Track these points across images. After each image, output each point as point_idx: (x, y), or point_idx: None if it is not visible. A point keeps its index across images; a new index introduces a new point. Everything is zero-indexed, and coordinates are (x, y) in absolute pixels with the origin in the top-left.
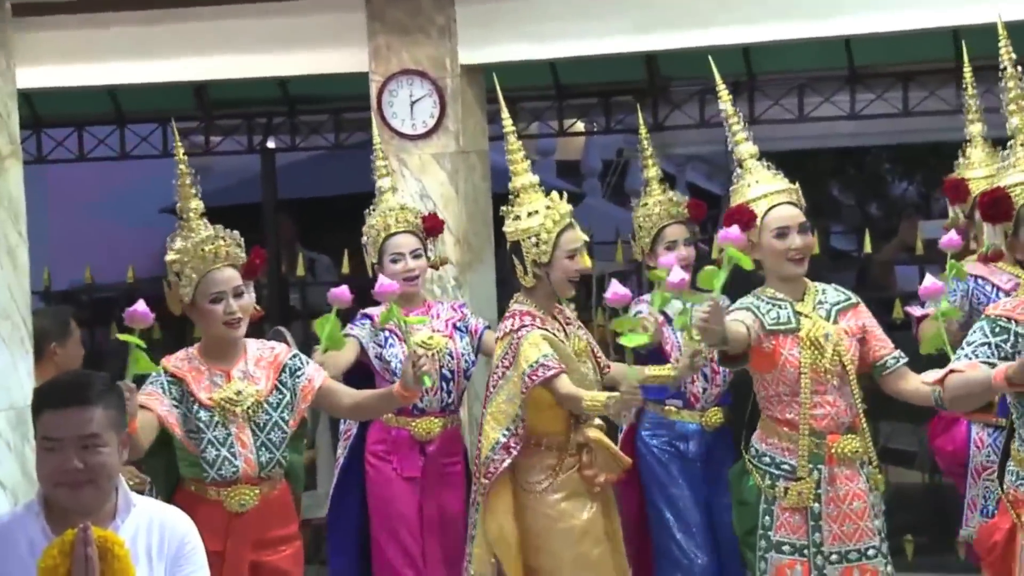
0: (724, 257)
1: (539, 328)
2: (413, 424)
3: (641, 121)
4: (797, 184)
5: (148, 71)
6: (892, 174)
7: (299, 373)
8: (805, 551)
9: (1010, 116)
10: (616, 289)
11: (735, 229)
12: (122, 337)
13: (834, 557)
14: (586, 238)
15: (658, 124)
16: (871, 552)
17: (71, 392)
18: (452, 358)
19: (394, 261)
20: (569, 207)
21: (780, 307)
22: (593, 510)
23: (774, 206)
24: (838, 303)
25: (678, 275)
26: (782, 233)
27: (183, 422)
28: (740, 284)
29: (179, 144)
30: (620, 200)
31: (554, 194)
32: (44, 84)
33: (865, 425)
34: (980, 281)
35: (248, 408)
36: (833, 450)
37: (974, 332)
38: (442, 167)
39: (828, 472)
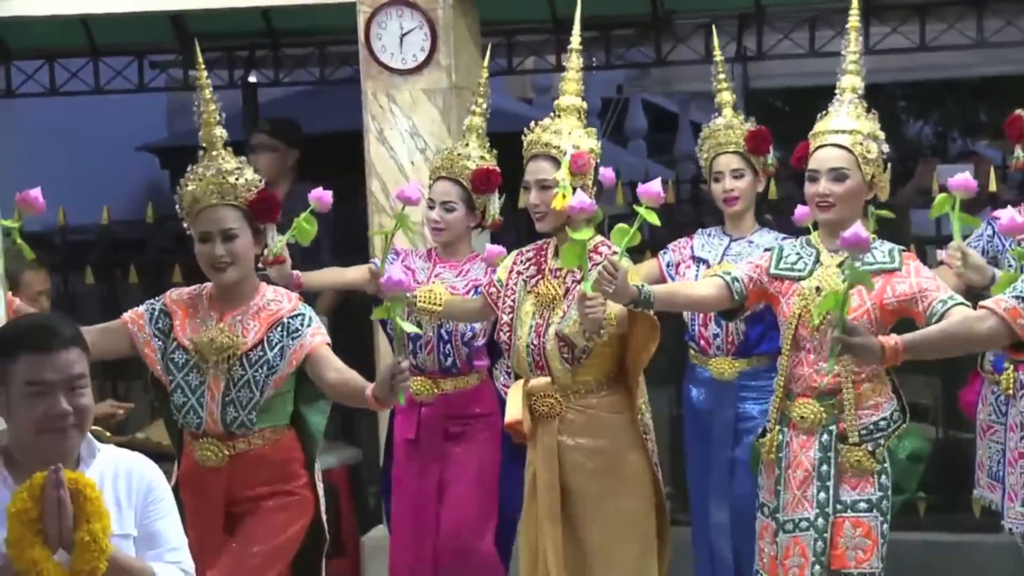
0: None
1: (516, 257)
2: (412, 382)
3: (716, 44)
4: (869, 127)
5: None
6: (907, 113)
7: (297, 334)
8: (776, 513)
9: None
10: (582, 199)
11: (656, 185)
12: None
13: (788, 526)
14: (548, 176)
15: (660, 59)
16: (803, 524)
17: (51, 335)
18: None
19: (430, 207)
20: (539, 135)
21: (805, 253)
22: (531, 471)
23: (818, 147)
24: (871, 265)
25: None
26: (812, 176)
27: (161, 356)
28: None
29: (202, 68)
30: (620, 140)
31: (535, 123)
32: (12, 13)
33: (851, 399)
34: None
35: (223, 359)
36: (792, 413)
37: None
38: (433, 104)
39: (788, 435)
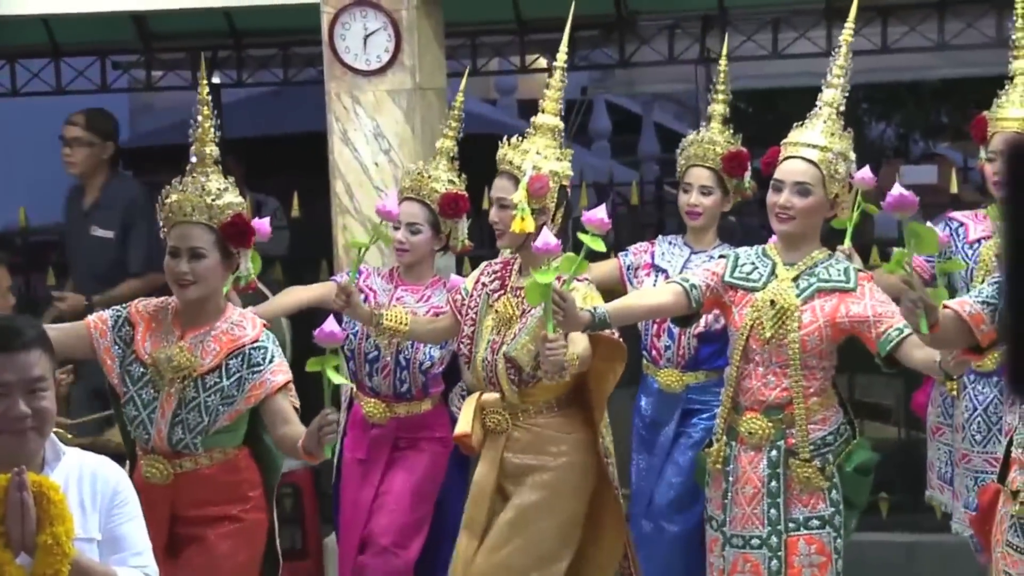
0: (584, 241)
1: (484, 268)
2: (363, 403)
3: (724, 52)
4: (842, 146)
5: (85, 0)
6: (869, 115)
7: (257, 369)
8: (724, 527)
9: None
10: (547, 239)
11: (600, 211)
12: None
13: (735, 540)
14: (507, 195)
15: (624, 60)
16: (755, 542)
17: (12, 335)
18: (412, 347)
19: (396, 228)
20: (506, 152)
21: (761, 264)
22: (481, 473)
23: (786, 158)
24: (826, 282)
25: (546, 240)
26: (776, 186)
27: (119, 366)
28: None
29: (203, 80)
30: (584, 141)
31: (508, 139)
32: None
33: (802, 414)
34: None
35: (178, 378)
36: (740, 428)
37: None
38: (397, 105)
39: (737, 450)
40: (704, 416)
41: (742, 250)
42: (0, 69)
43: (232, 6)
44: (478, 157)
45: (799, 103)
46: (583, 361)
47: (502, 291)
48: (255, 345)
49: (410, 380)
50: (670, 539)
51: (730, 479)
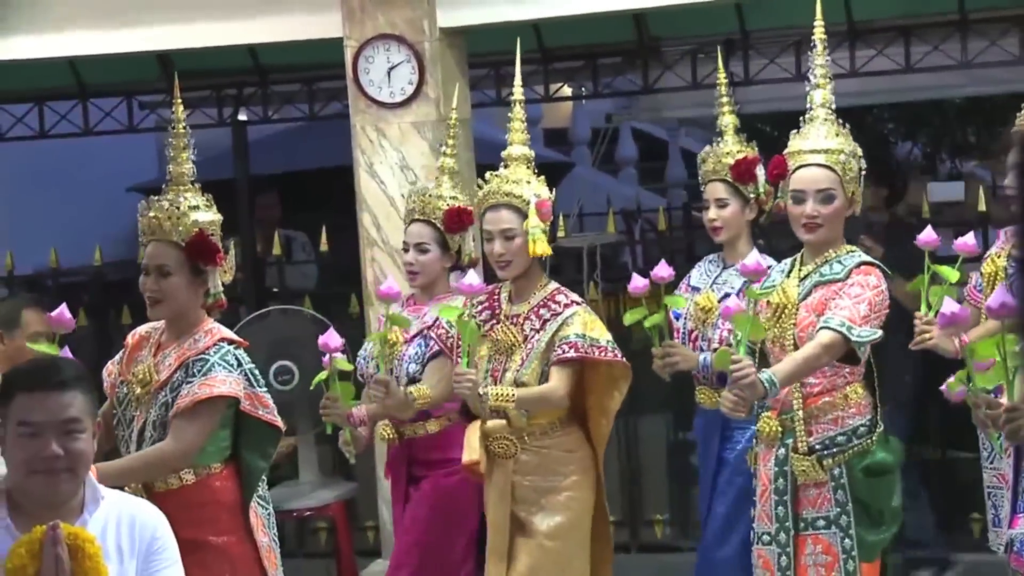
0: (734, 334)
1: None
2: (379, 427)
3: (721, 67)
4: (849, 145)
5: (111, 41)
6: (895, 134)
7: (191, 380)
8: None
9: None
10: (472, 280)
11: (733, 300)
12: (33, 346)
13: (757, 537)
14: (513, 226)
15: (648, 87)
16: (766, 538)
17: (49, 375)
18: (400, 362)
19: (405, 251)
20: (500, 185)
21: (783, 270)
22: (494, 501)
23: (799, 167)
24: (824, 276)
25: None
26: (797, 198)
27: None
28: None
29: (178, 100)
30: (611, 169)
31: (490, 173)
32: (0, 57)
33: (800, 415)
34: None
35: (145, 395)
36: (757, 427)
37: None
38: (423, 136)
39: (760, 448)
40: (745, 435)
41: (775, 267)
42: (28, 112)
43: (256, 43)
44: None
45: None
46: (519, 404)
47: (495, 321)
48: (198, 357)
49: None
50: (716, 564)
51: (758, 477)
